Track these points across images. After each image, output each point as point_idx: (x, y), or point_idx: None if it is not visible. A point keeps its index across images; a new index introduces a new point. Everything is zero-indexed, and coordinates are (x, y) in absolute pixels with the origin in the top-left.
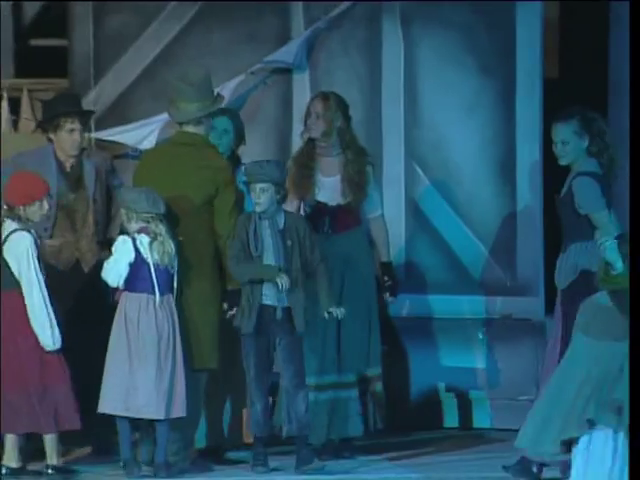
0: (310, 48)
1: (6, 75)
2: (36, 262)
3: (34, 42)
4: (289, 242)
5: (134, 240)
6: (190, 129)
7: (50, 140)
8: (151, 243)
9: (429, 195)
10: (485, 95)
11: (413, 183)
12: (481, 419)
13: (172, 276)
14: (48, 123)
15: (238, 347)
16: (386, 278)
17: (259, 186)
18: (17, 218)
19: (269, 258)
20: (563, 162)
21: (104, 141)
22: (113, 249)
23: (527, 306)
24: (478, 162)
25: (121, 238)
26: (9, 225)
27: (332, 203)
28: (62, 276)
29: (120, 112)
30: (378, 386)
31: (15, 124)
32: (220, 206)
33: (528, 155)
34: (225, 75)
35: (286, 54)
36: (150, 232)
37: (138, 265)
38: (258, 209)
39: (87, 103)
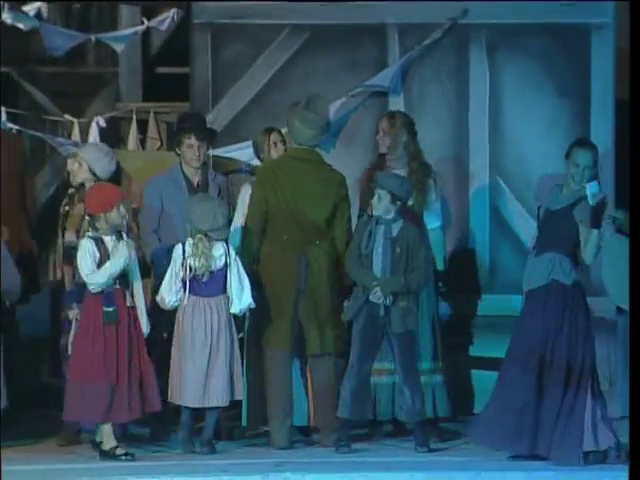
0: (404, 74)
1: (135, 99)
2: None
3: (160, 70)
4: (398, 250)
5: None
6: (304, 146)
7: (178, 155)
8: (199, 254)
9: (511, 204)
10: (562, 115)
11: (497, 194)
12: None
13: (224, 278)
14: (174, 139)
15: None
16: (440, 284)
17: (378, 192)
18: (95, 225)
19: (377, 261)
20: (579, 186)
21: (220, 157)
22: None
23: (600, 305)
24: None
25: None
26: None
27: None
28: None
29: (234, 131)
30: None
31: (142, 142)
32: (340, 214)
33: (601, 168)
34: (328, 97)
35: (383, 79)
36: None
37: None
38: (375, 213)
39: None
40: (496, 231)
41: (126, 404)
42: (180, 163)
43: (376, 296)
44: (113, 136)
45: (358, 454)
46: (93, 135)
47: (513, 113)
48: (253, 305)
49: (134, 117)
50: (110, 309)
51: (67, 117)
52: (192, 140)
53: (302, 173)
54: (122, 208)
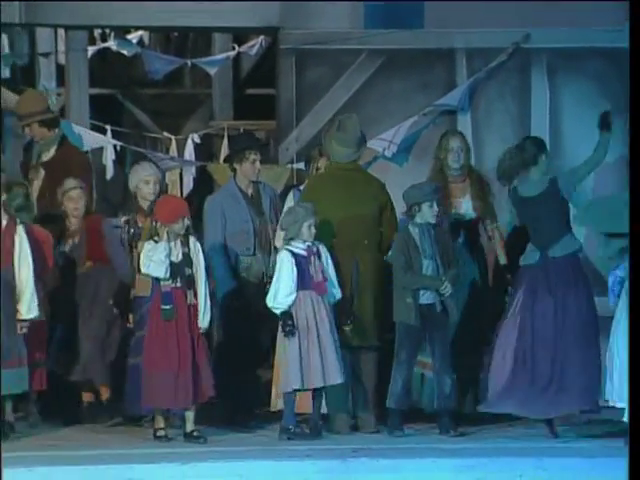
0: (472, 94)
1: (227, 117)
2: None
3: (249, 91)
4: (440, 249)
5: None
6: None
7: (233, 170)
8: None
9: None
10: (616, 132)
11: None
12: None
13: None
14: (235, 155)
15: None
16: (509, 276)
17: (428, 203)
18: (159, 233)
19: (427, 263)
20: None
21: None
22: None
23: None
24: (611, 186)
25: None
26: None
27: (463, 219)
28: (252, 286)
29: (316, 147)
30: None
31: None
32: (387, 214)
33: None
34: (402, 116)
35: (452, 99)
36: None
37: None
38: (427, 220)
39: (290, 140)
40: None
41: (186, 391)
42: (234, 177)
43: (447, 291)
44: (207, 151)
45: (430, 440)
46: (188, 151)
47: (571, 130)
48: (339, 295)
49: (226, 134)
50: (167, 307)
51: (165, 134)
52: (256, 156)
53: (346, 180)
54: (186, 221)
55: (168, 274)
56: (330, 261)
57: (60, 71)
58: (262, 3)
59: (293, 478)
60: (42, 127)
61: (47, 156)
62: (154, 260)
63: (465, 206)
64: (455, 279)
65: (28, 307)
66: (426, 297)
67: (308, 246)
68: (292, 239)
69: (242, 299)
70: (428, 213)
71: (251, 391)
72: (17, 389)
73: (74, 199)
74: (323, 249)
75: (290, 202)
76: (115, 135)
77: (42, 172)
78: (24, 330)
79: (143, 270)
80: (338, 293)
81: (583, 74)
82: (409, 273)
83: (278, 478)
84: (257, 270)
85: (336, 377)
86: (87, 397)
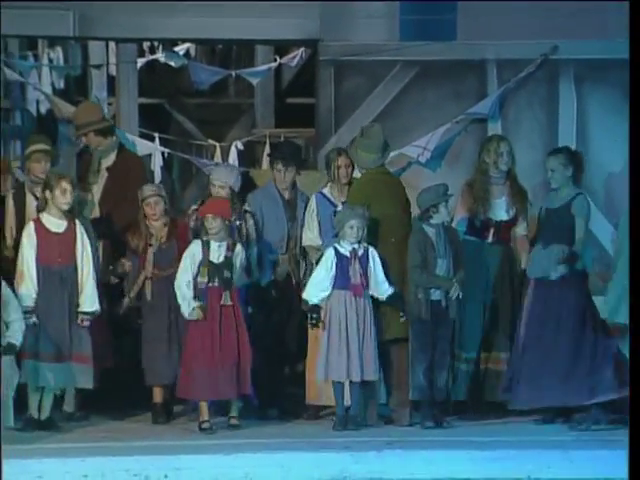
0: (502, 102)
1: (269, 125)
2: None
3: (290, 100)
4: (451, 250)
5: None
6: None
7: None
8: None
9: (596, 217)
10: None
11: None
12: None
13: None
14: (271, 165)
15: None
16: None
17: (443, 204)
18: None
19: (442, 263)
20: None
21: None
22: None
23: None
24: (619, 195)
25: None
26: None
27: (497, 219)
28: (278, 284)
29: None
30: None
31: None
32: (407, 214)
33: None
34: (435, 124)
35: (483, 107)
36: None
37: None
38: (443, 220)
39: (329, 147)
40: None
41: (222, 385)
42: (274, 180)
43: (455, 291)
44: (249, 158)
45: (461, 433)
46: (232, 157)
47: (598, 137)
48: (391, 291)
49: (267, 141)
50: (198, 304)
51: (210, 142)
52: (280, 166)
53: (385, 182)
54: (223, 222)
55: (195, 271)
56: (378, 260)
57: (111, 82)
58: (303, 17)
59: (332, 468)
60: (98, 136)
61: (108, 162)
62: (186, 256)
63: (502, 207)
64: (463, 281)
65: (90, 301)
66: (436, 294)
67: (353, 248)
68: (341, 238)
69: (271, 294)
70: (444, 213)
71: (288, 383)
72: (84, 384)
73: (151, 205)
74: (372, 251)
75: (313, 206)
76: (163, 142)
77: (104, 176)
78: (86, 323)
79: (181, 265)
80: (389, 289)
81: (609, 84)
82: (424, 272)
83: (318, 468)
84: (283, 270)
85: (368, 374)
86: (157, 397)
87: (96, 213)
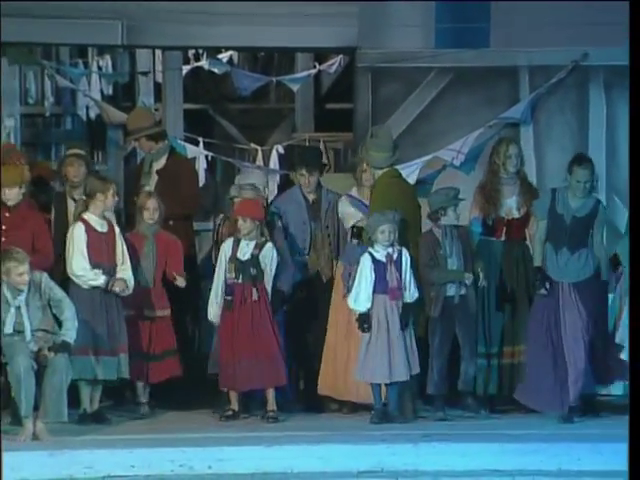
0: (534, 108)
1: (308, 130)
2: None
3: (329, 106)
4: (462, 247)
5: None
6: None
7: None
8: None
9: (624, 218)
10: None
11: (613, 209)
12: None
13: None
14: (295, 170)
15: None
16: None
17: (453, 207)
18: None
19: (454, 259)
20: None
21: None
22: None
23: None
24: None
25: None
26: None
27: (508, 217)
28: (306, 284)
29: None
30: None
31: None
32: (418, 216)
33: None
34: (469, 128)
35: (515, 112)
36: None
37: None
38: (453, 222)
39: None
40: (612, 240)
41: (249, 376)
42: (298, 184)
43: (469, 280)
44: (290, 161)
45: (494, 426)
46: (273, 161)
47: (626, 141)
48: (417, 295)
49: (307, 145)
50: (228, 298)
51: (252, 145)
52: (303, 171)
53: (398, 184)
54: (253, 222)
55: (224, 267)
56: (409, 262)
57: (157, 88)
58: (341, 26)
59: (369, 460)
60: (149, 140)
61: (159, 165)
62: (221, 253)
63: (513, 206)
64: (485, 272)
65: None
66: (451, 290)
67: (388, 252)
68: (374, 242)
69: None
70: (452, 216)
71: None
72: (124, 374)
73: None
74: (405, 252)
75: (342, 207)
76: (207, 146)
77: (155, 179)
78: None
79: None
80: (416, 292)
81: None
82: (435, 270)
83: (355, 460)
84: (311, 270)
85: (401, 374)
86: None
87: None
